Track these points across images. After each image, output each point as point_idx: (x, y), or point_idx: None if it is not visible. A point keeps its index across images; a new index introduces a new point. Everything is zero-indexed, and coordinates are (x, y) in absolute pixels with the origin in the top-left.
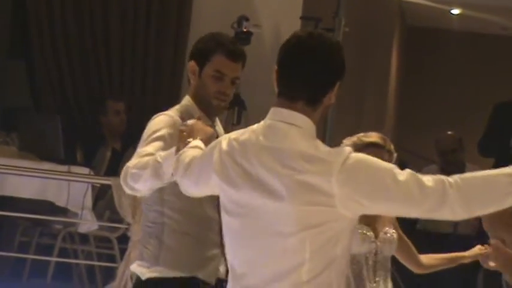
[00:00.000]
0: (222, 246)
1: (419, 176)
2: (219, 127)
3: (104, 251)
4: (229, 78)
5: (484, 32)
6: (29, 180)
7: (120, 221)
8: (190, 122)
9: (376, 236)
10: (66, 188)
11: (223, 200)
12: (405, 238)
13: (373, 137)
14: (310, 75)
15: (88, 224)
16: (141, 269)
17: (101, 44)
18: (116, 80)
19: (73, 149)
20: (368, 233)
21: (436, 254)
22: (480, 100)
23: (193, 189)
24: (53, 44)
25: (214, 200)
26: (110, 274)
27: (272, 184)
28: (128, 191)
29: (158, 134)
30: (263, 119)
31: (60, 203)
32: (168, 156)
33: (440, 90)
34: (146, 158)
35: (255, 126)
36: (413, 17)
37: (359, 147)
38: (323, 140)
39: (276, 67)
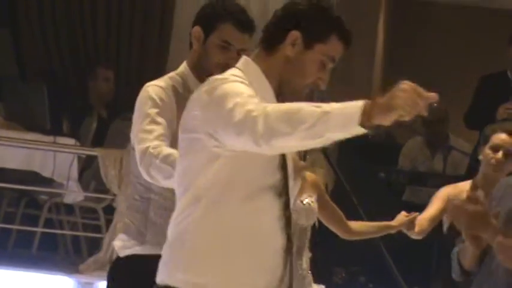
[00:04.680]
0: None
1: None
2: None
3: (89, 221)
4: (236, 49)
5: (470, 4)
6: (14, 151)
7: (106, 191)
8: None
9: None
10: (52, 158)
11: None
12: (331, 203)
13: None
14: (271, 21)
15: (74, 194)
16: (120, 244)
17: (87, 13)
18: (102, 49)
19: (59, 119)
20: (314, 204)
21: (366, 222)
22: (467, 72)
23: None
24: (39, 12)
25: None
26: (95, 245)
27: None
28: (147, 177)
29: (158, 109)
30: None
31: (46, 173)
32: None
33: (427, 63)
34: (169, 151)
35: None
36: None
37: None
38: None
39: None
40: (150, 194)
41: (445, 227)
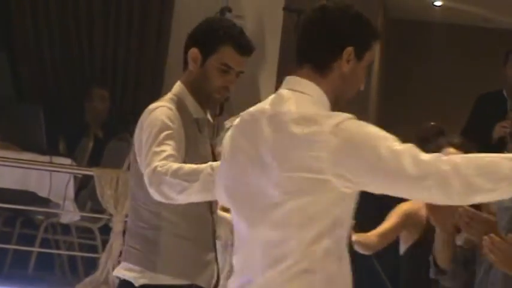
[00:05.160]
0: (215, 249)
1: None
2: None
3: (86, 241)
4: (235, 72)
5: (466, 24)
6: (10, 171)
7: (102, 211)
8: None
9: None
10: (48, 178)
11: (222, 176)
12: None
13: None
14: (314, 38)
15: (70, 214)
16: (133, 274)
17: (84, 34)
18: (98, 71)
19: (55, 139)
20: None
21: None
22: (462, 92)
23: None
24: (34, 33)
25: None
26: (92, 265)
27: (264, 151)
28: (159, 198)
29: (170, 131)
30: (246, 110)
31: (42, 193)
32: None
33: (423, 82)
34: (178, 165)
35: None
36: (395, 9)
37: None
38: None
39: None
40: (160, 222)
41: (459, 241)
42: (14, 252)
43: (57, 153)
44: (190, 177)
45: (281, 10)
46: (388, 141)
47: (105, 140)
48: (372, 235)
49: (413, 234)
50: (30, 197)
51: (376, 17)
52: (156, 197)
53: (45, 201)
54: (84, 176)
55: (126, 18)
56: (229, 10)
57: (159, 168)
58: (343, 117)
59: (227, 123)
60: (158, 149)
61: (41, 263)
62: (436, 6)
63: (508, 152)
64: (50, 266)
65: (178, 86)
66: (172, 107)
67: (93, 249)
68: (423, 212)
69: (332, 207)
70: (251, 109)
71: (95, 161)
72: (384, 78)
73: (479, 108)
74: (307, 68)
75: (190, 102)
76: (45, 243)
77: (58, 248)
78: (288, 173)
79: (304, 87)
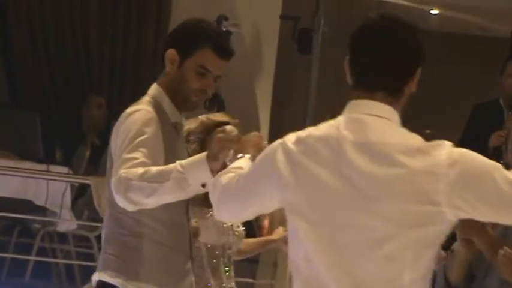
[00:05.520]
0: (192, 258)
1: None
2: (184, 121)
3: (82, 250)
4: (214, 75)
5: (462, 32)
6: (7, 179)
7: (99, 220)
8: (232, 130)
9: (232, 228)
10: (45, 187)
11: (299, 207)
12: None
13: (223, 117)
14: (387, 63)
15: (67, 223)
16: (120, 281)
17: (80, 41)
18: (95, 77)
19: (52, 148)
20: (225, 225)
21: (250, 239)
22: (459, 100)
23: (233, 212)
24: (31, 40)
25: (184, 206)
26: (88, 273)
27: (364, 183)
28: (127, 205)
29: (144, 136)
30: (242, 117)
31: (39, 202)
32: (192, 165)
33: (419, 90)
34: (144, 168)
35: (332, 121)
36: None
37: (209, 127)
38: None
39: (348, 56)
40: (142, 228)
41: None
42: (11, 260)
43: (54, 162)
44: (159, 178)
45: (278, 18)
46: (500, 170)
47: (102, 148)
48: None
49: None
50: (27, 206)
51: None
52: (123, 204)
53: (42, 210)
54: (81, 184)
55: (123, 27)
56: (226, 18)
57: (123, 175)
58: (450, 146)
59: (184, 125)
60: (129, 155)
61: (38, 272)
62: (433, 14)
63: (504, 161)
64: (47, 274)
65: (155, 88)
66: (152, 110)
67: (90, 257)
68: None
69: (440, 238)
70: (314, 132)
71: (92, 169)
72: None
73: (476, 117)
74: (383, 91)
75: (168, 105)
76: (42, 251)
77: (55, 256)
78: (402, 205)
79: (382, 111)
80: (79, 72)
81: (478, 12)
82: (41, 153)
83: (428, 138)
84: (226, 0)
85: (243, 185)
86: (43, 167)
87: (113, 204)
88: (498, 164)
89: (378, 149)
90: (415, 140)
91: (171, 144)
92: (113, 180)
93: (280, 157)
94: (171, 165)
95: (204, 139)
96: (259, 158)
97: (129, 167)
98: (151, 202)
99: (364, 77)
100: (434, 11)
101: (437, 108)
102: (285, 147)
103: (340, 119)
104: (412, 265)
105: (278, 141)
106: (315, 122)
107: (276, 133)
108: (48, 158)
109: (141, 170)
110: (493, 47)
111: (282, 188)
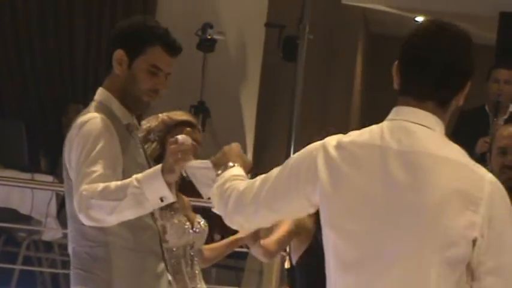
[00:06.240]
0: (164, 259)
1: None
2: (135, 121)
3: (68, 258)
4: (164, 73)
5: None
6: None
7: None
8: (184, 139)
9: (192, 227)
10: (30, 195)
11: (335, 216)
12: None
13: (184, 115)
14: (440, 74)
15: (52, 231)
16: None
17: (65, 50)
18: (79, 86)
19: (37, 156)
20: (186, 224)
21: (214, 243)
22: None
23: (258, 218)
24: (16, 51)
25: None
26: None
27: (404, 194)
28: (90, 223)
29: (100, 145)
30: (228, 126)
31: (24, 210)
32: (147, 179)
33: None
34: (103, 185)
35: (375, 127)
36: (377, 24)
37: (170, 125)
38: (288, 148)
39: (397, 62)
40: (107, 237)
41: None
42: None
43: (39, 171)
44: (117, 195)
45: (263, 26)
46: None
47: None
48: (271, 242)
49: (303, 243)
50: (12, 215)
51: (358, 32)
52: (87, 222)
53: (27, 219)
54: None
55: (107, 37)
56: (211, 26)
57: (84, 193)
58: (492, 177)
59: (144, 124)
60: (88, 169)
61: (24, 281)
62: (418, 22)
63: (489, 167)
64: (32, 283)
65: (101, 93)
66: (103, 116)
67: None
68: (308, 220)
69: (466, 260)
70: (357, 138)
71: None
72: (365, 93)
73: (462, 124)
74: (432, 102)
75: (117, 108)
76: (27, 260)
77: (40, 265)
78: (444, 221)
79: (429, 121)
80: (64, 82)
81: (463, 20)
82: (26, 162)
83: None
84: (211, 8)
85: (275, 186)
86: (28, 175)
87: (74, 217)
88: None
89: (422, 160)
90: (460, 154)
91: (127, 147)
92: (75, 198)
93: (321, 161)
94: (127, 180)
95: (164, 137)
96: (296, 159)
97: (89, 182)
98: (113, 220)
99: (414, 85)
100: (419, 18)
101: None
102: (326, 151)
103: (384, 125)
104: (436, 283)
105: (319, 144)
106: (301, 130)
107: (261, 141)
108: (33, 167)
109: (100, 186)
110: (478, 54)
111: (320, 194)
